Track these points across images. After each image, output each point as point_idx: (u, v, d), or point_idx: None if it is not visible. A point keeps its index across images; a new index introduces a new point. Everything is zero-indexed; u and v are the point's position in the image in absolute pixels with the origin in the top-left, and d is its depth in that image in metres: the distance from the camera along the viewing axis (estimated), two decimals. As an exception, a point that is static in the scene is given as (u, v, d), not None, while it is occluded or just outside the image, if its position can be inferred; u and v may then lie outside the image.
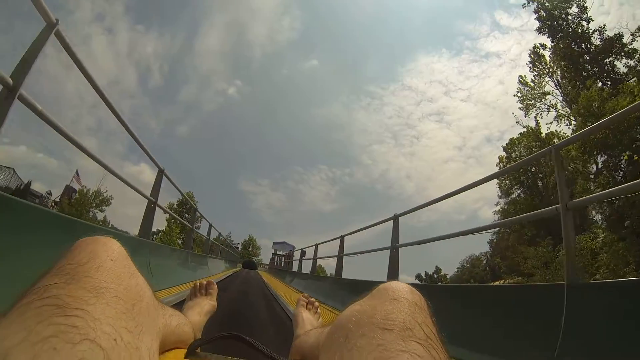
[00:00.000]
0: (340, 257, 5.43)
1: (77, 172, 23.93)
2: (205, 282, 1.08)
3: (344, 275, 5.25)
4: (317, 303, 1.08)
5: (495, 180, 23.02)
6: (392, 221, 3.84)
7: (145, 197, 3.33)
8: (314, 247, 7.45)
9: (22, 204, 1.37)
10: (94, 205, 23.87)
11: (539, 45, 20.86)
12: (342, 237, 5.59)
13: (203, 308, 0.93)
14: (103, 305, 0.30)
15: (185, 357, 0.53)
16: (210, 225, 8.22)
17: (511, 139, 24.16)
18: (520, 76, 22.76)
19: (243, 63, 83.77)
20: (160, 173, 3.64)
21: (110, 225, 20.77)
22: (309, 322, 0.96)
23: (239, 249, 37.74)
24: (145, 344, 0.32)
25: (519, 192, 23.96)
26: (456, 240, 3.07)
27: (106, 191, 24.88)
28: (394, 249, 3.69)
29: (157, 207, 3.50)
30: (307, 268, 9.67)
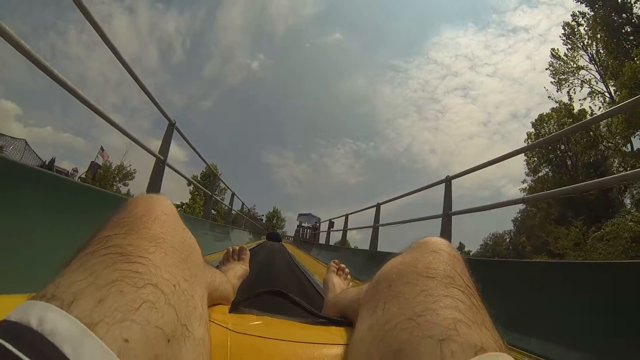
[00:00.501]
0: (375, 228, 4.97)
1: (101, 148, 24.17)
2: (238, 248, 1.13)
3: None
4: (347, 269, 1.09)
5: (522, 157, 22.24)
6: (443, 185, 3.29)
7: (153, 154, 2.70)
8: (343, 217, 6.95)
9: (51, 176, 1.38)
10: (118, 179, 24.15)
11: (578, 13, 19.26)
12: (378, 205, 5.12)
13: (237, 272, 0.96)
14: (162, 254, 0.32)
15: (229, 312, 0.53)
16: (233, 194, 7.77)
17: (540, 115, 22.86)
18: (553, 49, 21.22)
19: (266, 37, 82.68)
20: (171, 127, 2.99)
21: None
22: (339, 287, 0.96)
23: (263, 221, 36.24)
24: (198, 294, 0.34)
25: (547, 170, 22.96)
26: (478, 216, 2.86)
27: (129, 165, 25.09)
28: (447, 216, 3.17)
29: (166, 167, 2.87)
30: (332, 240, 9.31)
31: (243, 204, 10.50)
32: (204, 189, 5.96)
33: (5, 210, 1.08)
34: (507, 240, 29.69)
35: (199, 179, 22.08)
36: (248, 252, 1.13)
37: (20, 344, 0.20)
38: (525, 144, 22.58)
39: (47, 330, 0.21)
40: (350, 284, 1.04)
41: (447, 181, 3.27)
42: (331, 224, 8.99)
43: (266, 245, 10.32)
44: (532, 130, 23.07)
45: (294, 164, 70.67)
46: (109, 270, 0.27)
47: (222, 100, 74.14)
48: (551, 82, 21.13)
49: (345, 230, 6.76)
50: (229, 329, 0.42)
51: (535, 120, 23.06)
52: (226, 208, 8.59)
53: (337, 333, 0.47)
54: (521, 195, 22.98)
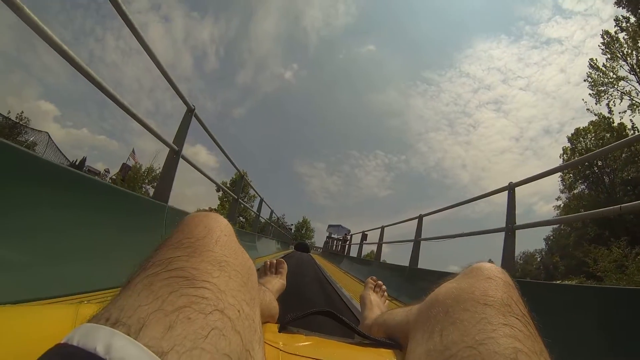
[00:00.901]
0: (417, 242, 4.67)
1: (133, 151, 24.90)
2: (275, 261, 1.12)
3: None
4: (384, 287, 1.07)
5: (558, 174, 21.34)
6: (506, 192, 2.90)
7: (166, 143, 2.23)
8: (379, 229, 6.65)
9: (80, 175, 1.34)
10: (147, 181, 24.62)
11: (620, 18, 18.41)
12: (420, 217, 4.84)
13: (274, 286, 0.95)
14: (226, 278, 0.31)
15: (279, 331, 0.53)
16: (261, 200, 7.61)
17: (577, 129, 21.92)
18: (591, 59, 20.28)
19: (299, 47, 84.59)
20: (189, 113, 2.50)
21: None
22: (377, 304, 0.94)
23: (292, 231, 35.56)
24: (257, 316, 0.33)
25: (582, 187, 21.85)
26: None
27: (159, 167, 25.30)
28: (509, 231, 2.84)
29: (180, 159, 2.42)
30: (358, 253, 8.97)
31: (272, 211, 10.30)
32: (230, 192, 5.47)
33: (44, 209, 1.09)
34: (538, 259, 28.45)
35: (228, 185, 22.23)
36: (285, 265, 1.13)
37: None
38: (561, 160, 21.69)
39: (115, 358, 0.20)
40: (387, 302, 1.02)
41: (511, 189, 2.90)
42: (364, 237, 8.64)
43: (294, 256, 10.02)
44: (568, 145, 22.16)
45: (325, 174, 71.03)
46: (175, 296, 0.26)
47: (255, 108, 75.68)
48: (589, 94, 20.21)
49: (380, 244, 6.46)
50: (280, 349, 0.42)
51: (572, 134, 22.15)
52: (254, 215, 8.33)
53: (386, 355, 0.46)
54: (555, 213, 22.01)
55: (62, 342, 0.21)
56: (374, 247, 7.90)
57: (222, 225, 0.38)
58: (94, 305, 0.34)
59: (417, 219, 4.83)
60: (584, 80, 20.43)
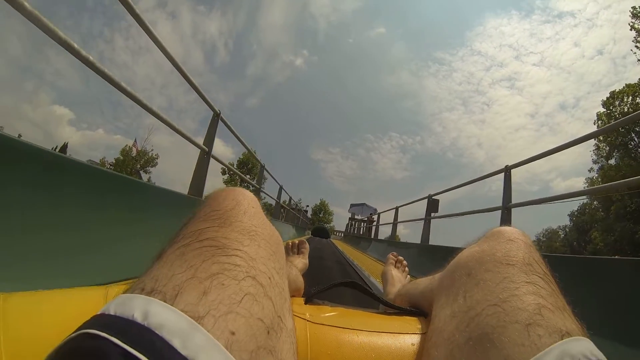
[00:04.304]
0: (427, 221, 4.71)
1: (135, 140, 24.84)
2: (297, 242, 1.16)
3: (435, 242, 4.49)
4: (405, 262, 1.08)
5: (575, 149, 20.16)
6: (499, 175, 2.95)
7: (197, 145, 2.54)
8: (393, 210, 6.66)
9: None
10: (139, 165, 23.90)
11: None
12: (429, 197, 4.86)
13: (297, 265, 0.97)
14: (256, 247, 0.32)
15: (305, 303, 0.54)
16: (281, 188, 7.46)
17: (612, 92, 20.33)
18: (633, 7, 18.63)
19: (309, 34, 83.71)
20: (216, 117, 2.83)
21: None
22: (398, 279, 0.95)
23: (308, 215, 30.48)
24: (286, 286, 0.34)
25: (616, 156, 20.54)
26: (529, 211, 2.73)
27: (152, 150, 24.68)
28: (506, 209, 2.79)
29: (211, 159, 2.72)
30: (382, 235, 8.81)
31: (290, 198, 9.97)
32: (252, 183, 5.55)
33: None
34: (562, 236, 27.27)
35: (235, 166, 21.12)
36: (307, 245, 1.15)
37: (129, 339, 0.19)
38: (595, 126, 20.36)
39: (154, 324, 0.20)
40: (408, 277, 1.02)
41: (507, 171, 2.95)
42: (396, 212, 7.44)
43: (312, 242, 8.40)
44: (602, 109, 20.70)
45: (341, 159, 70.67)
46: (208, 264, 0.27)
47: (268, 97, 75.96)
48: (636, 46, 18.59)
49: (395, 224, 6.55)
50: (307, 320, 0.44)
51: (607, 98, 20.60)
52: (273, 202, 7.98)
53: (412, 323, 0.47)
54: (578, 188, 20.92)
55: (98, 313, 0.22)
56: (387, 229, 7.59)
57: (249, 198, 0.39)
58: (124, 286, 0.34)
59: (426, 199, 4.90)
60: (630, 29, 18.83)
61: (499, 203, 2.92)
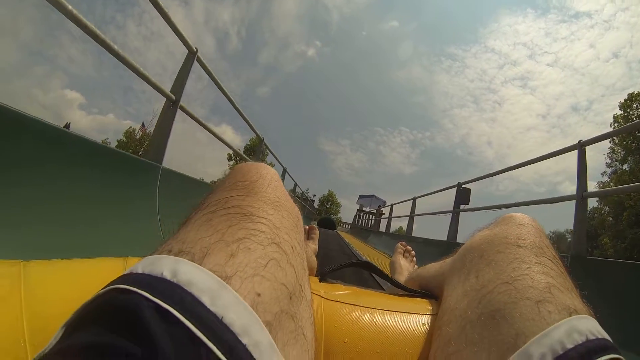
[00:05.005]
0: (456, 214, 4.16)
1: (143, 124, 24.64)
2: (307, 227, 1.18)
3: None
4: (413, 252, 1.08)
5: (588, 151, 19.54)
6: (576, 151, 2.29)
7: (161, 92, 1.88)
8: (410, 201, 6.07)
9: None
10: (142, 149, 23.07)
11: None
12: (459, 185, 4.35)
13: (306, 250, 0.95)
14: (279, 217, 0.32)
15: (319, 281, 0.55)
16: (284, 170, 7.20)
17: (630, 94, 19.85)
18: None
19: (322, 25, 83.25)
20: (191, 56, 2.15)
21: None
22: (407, 269, 0.96)
23: (315, 205, 27.97)
24: (305, 258, 0.34)
25: (630, 160, 19.91)
26: (531, 211, 2.55)
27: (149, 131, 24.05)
28: (581, 199, 2.19)
29: (178, 111, 2.04)
30: (385, 229, 8.40)
31: (296, 184, 9.76)
32: (238, 151, 5.13)
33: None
34: (569, 240, 26.91)
35: (242, 152, 21.72)
36: (317, 231, 1.21)
37: (160, 293, 0.19)
38: (611, 128, 19.84)
39: (183, 281, 0.20)
40: (416, 267, 1.00)
41: (581, 147, 2.32)
42: (413, 203, 7.40)
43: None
44: (619, 112, 20.19)
45: (350, 151, 70.48)
46: (235, 229, 0.27)
47: (279, 87, 75.49)
48: None
49: (412, 217, 6.00)
50: (322, 297, 0.44)
51: (625, 100, 20.11)
52: None
53: (423, 304, 0.46)
54: (588, 192, 20.40)
55: (126, 272, 0.21)
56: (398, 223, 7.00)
57: (271, 172, 0.39)
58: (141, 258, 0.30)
59: (455, 188, 4.33)
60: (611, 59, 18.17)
61: (506, 202, 2.47)
